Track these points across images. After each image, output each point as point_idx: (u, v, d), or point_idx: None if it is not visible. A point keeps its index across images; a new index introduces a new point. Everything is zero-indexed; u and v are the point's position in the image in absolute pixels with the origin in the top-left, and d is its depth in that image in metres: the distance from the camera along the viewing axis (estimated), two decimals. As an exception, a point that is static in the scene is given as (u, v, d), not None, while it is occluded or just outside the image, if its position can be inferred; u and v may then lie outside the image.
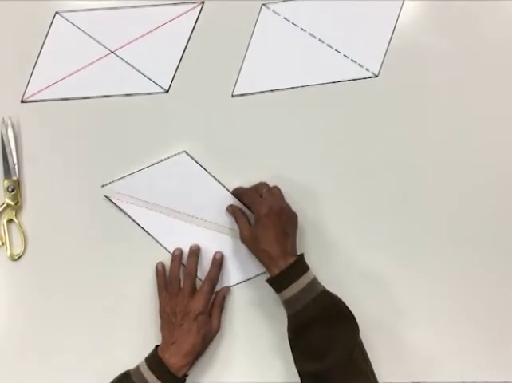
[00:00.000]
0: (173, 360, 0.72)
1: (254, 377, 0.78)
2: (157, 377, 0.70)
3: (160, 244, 0.80)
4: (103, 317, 0.79)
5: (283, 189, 0.78)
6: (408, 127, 0.83)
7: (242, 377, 0.78)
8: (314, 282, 0.73)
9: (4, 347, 0.79)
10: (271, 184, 0.78)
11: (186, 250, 0.79)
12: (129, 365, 0.73)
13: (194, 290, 0.76)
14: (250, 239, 0.75)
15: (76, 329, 0.79)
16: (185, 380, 0.73)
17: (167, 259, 0.79)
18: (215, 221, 0.81)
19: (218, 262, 0.79)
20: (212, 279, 0.78)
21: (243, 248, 0.77)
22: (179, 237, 0.80)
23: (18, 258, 0.80)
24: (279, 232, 0.73)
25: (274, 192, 0.77)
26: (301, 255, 0.74)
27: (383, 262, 0.80)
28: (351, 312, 0.72)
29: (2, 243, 0.80)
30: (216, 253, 0.80)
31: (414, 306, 0.80)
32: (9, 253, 0.80)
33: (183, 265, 0.79)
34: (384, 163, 0.82)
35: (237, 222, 0.78)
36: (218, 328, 0.77)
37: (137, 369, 0.72)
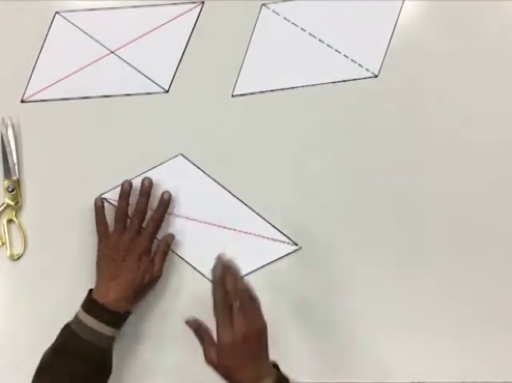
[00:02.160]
0: (112, 295, 0.71)
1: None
2: (96, 318, 0.70)
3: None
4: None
5: (282, 189, 0.77)
6: (408, 127, 0.83)
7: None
8: None
9: (4, 347, 0.79)
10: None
11: (185, 250, 0.80)
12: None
13: (140, 230, 0.76)
14: (214, 364, 0.66)
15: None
16: (127, 316, 0.73)
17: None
18: (216, 222, 0.81)
19: (165, 203, 0.78)
20: (157, 220, 0.77)
21: (244, 242, 0.77)
22: (179, 235, 0.80)
23: (18, 258, 0.80)
24: (246, 360, 0.65)
25: (245, 308, 0.66)
26: (277, 368, 0.68)
27: (383, 262, 0.81)
28: None
29: (2, 243, 0.80)
30: (164, 193, 0.78)
31: (414, 305, 0.80)
32: (9, 253, 0.80)
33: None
34: (383, 163, 0.82)
35: (199, 341, 0.68)
36: (161, 273, 0.77)
37: (76, 317, 0.71)
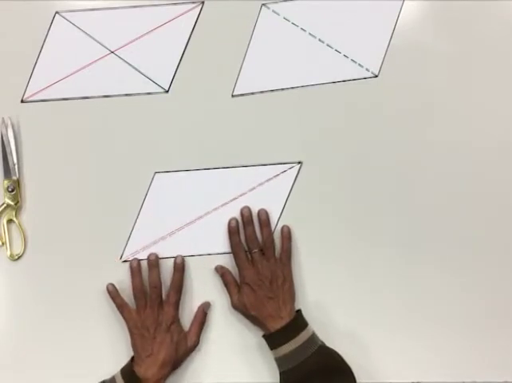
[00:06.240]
0: (149, 373, 0.71)
1: (244, 376, 0.78)
2: None
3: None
4: (103, 316, 0.79)
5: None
6: (408, 127, 0.83)
7: (232, 377, 0.78)
8: (310, 339, 0.71)
9: (4, 347, 0.79)
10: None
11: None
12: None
13: (161, 301, 0.76)
14: (239, 307, 0.76)
15: (76, 329, 0.79)
16: None
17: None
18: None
19: (180, 267, 0.78)
20: (177, 286, 0.77)
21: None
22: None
23: (18, 258, 0.80)
24: (264, 298, 0.73)
25: (265, 253, 0.76)
26: (298, 312, 0.74)
27: (383, 262, 0.81)
28: (348, 366, 0.71)
29: (2, 243, 0.80)
30: (177, 257, 0.78)
31: (414, 306, 0.80)
32: (9, 253, 0.80)
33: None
34: (383, 163, 0.82)
35: (225, 287, 0.78)
36: (197, 343, 0.77)
37: (113, 379, 0.72)
